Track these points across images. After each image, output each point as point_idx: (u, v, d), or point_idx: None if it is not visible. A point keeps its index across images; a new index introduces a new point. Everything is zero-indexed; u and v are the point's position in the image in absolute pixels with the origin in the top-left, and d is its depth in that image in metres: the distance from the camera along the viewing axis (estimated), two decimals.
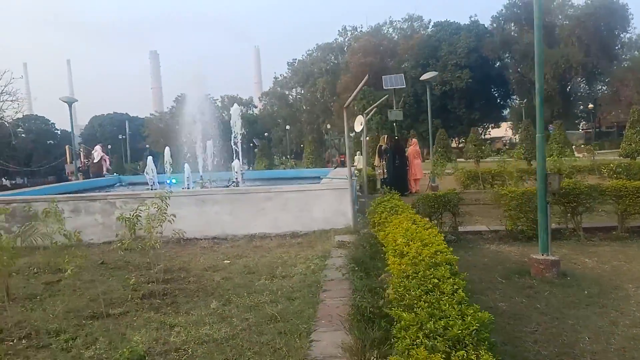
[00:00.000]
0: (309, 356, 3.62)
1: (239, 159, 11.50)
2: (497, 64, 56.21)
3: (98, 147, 18.82)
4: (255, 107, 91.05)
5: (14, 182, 56.80)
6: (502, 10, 54.24)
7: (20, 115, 38.92)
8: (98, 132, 76.20)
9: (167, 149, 12.81)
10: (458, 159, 30.39)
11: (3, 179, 56.47)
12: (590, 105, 46.12)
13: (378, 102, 15.96)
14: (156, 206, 6.37)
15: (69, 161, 57.20)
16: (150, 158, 12.47)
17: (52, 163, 57.55)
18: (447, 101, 54.95)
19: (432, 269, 3.27)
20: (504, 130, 71.28)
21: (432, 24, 62.24)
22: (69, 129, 76.47)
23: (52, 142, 68.68)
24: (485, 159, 30.09)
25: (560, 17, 54.45)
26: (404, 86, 17.29)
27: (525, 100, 48.84)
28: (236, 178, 11.45)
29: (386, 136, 14.66)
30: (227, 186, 11.25)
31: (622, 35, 49.56)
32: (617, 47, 49.65)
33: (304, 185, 9.29)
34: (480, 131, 58.39)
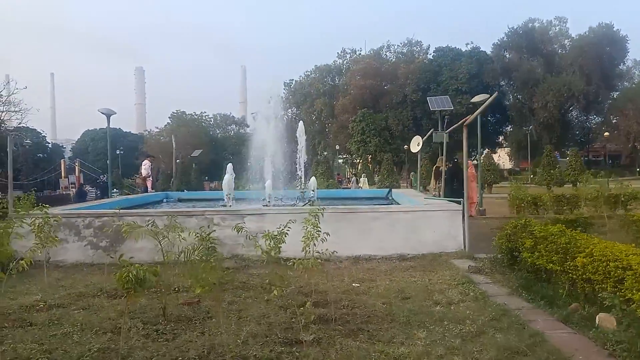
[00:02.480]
0: None
1: (357, 181, 11.13)
2: (497, 91, 57.03)
3: (147, 162, 17.84)
4: (248, 126, 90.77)
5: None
6: (503, 37, 55.33)
7: (22, 125, 37.93)
8: (90, 147, 74.85)
9: (229, 165, 12.37)
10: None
11: None
12: (607, 134, 46.80)
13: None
14: (310, 223, 5.97)
15: (63, 176, 56.00)
16: (230, 168, 11.92)
17: (44, 178, 56.07)
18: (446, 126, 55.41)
19: None
20: (496, 157, 72.14)
21: (431, 49, 63.13)
22: (60, 143, 74.62)
23: (42, 155, 67.12)
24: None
25: (556, 45, 55.78)
26: (452, 108, 17.20)
27: (531, 127, 49.43)
28: (312, 196, 11.08)
29: (444, 158, 14.47)
30: (304, 205, 10.86)
31: (620, 66, 50.91)
32: (616, 77, 50.93)
33: (414, 206, 8.99)
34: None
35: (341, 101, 62.84)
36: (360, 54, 70.75)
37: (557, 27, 56.61)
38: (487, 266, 7.28)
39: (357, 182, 32.98)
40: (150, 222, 6.75)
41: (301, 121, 15.37)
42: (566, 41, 56.77)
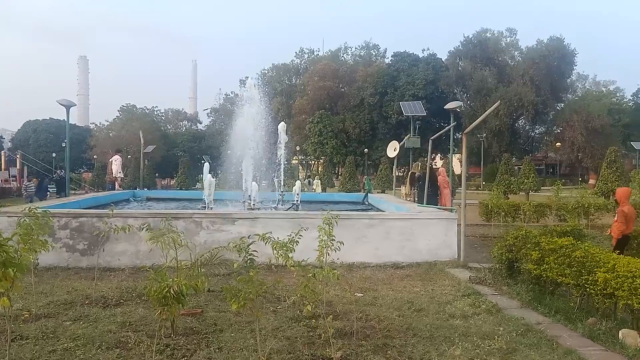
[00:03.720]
0: None
1: (310, 183, 10.86)
2: (452, 98, 58.46)
3: (118, 158, 16.54)
4: (200, 123, 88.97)
5: None
6: (458, 46, 56.71)
7: None
8: (32, 139, 71.04)
9: (206, 165, 11.89)
10: None
11: None
12: (558, 144, 48.82)
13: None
14: (324, 231, 5.75)
15: (3, 168, 52.74)
16: (207, 168, 11.41)
17: None
18: (401, 130, 56.18)
19: None
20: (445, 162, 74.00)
21: (389, 53, 63.98)
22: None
23: None
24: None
25: (507, 56, 57.78)
26: (424, 114, 17.36)
27: (484, 134, 50.86)
28: (297, 200, 10.81)
29: (420, 164, 14.53)
30: (288, 209, 10.59)
31: (567, 79, 53.34)
32: (563, 90, 53.31)
33: (410, 213, 8.88)
34: (426, 161, 60.23)
35: (299, 101, 62.59)
36: (318, 54, 70.81)
37: (508, 39, 58.63)
38: (488, 277, 7.27)
39: (310, 184, 32.78)
40: (145, 225, 6.33)
41: (282, 122, 15.00)
42: (516, 52, 58.90)
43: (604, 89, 64.31)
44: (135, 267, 7.97)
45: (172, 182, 52.92)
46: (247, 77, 76.32)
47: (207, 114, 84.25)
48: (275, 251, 5.71)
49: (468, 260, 8.42)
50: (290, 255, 5.75)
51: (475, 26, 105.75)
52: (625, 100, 64.93)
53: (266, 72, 72.36)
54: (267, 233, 5.52)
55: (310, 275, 4.96)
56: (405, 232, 8.41)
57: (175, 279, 3.75)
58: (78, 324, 5.32)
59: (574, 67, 52.61)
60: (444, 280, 7.44)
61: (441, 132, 15.82)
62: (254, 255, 4.40)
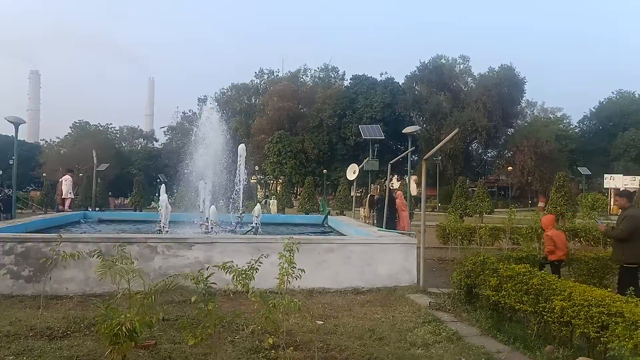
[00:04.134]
0: None
1: (267, 203, 10.70)
2: (408, 121, 59.74)
3: (68, 177, 15.69)
4: (156, 141, 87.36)
5: None
6: (414, 70, 58.20)
7: None
8: None
9: (162, 186, 11.56)
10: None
11: None
12: (510, 168, 50.43)
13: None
14: (285, 258, 5.63)
15: None
16: (163, 190, 11.05)
17: None
18: (359, 152, 56.79)
19: None
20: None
21: (347, 75, 65.01)
22: None
23: None
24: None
25: (460, 82, 59.76)
26: (383, 137, 17.59)
27: (440, 157, 51.95)
28: (256, 223, 10.62)
29: (379, 187, 14.63)
30: (246, 232, 10.39)
31: (517, 105, 55.59)
32: (513, 116, 55.49)
33: (370, 237, 8.84)
34: (384, 183, 61.13)
35: (258, 121, 62.52)
36: (278, 75, 71.21)
37: (461, 65, 60.75)
38: (448, 302, 7.30)
39: (266, 204, 32.54)
40: (96, 252, 6.05)
41: (242, 144, 14.83)
42: (469, 79, 61.06)
43: (551, 116, 67.31)
44: (85, 294, 7.59)
45: (126, 201, 51.44)
46: (206, 96, 76.11)
47: (164, 132, 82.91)
48: (234, 278, 5.56)
49: (427, 285, 8.44)
50: (249, 282, 5.61)
51: (431, 52, 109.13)
52: (571, 127, 68.15)
53: (225, 91, 72.11)
54: (228, 262, 5.37)
55: (271, 305, 4.83)
56: (365, 257, 8.37)
57: (128, 315, 3.54)
58: (21, 358, 4.97)
59: (524, 94, 55.01)
60: (405, 306, 7.41)
61: (400, 156, 16.06)
62: (212, 287, 4.22)
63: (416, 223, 15.58)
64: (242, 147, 12.94)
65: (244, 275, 5.58)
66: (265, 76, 71.55)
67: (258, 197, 52.07)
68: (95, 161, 20.78)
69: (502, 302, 6.29)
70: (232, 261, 5.91)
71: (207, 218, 11.01)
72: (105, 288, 7.43)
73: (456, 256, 12.55)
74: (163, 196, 10.54)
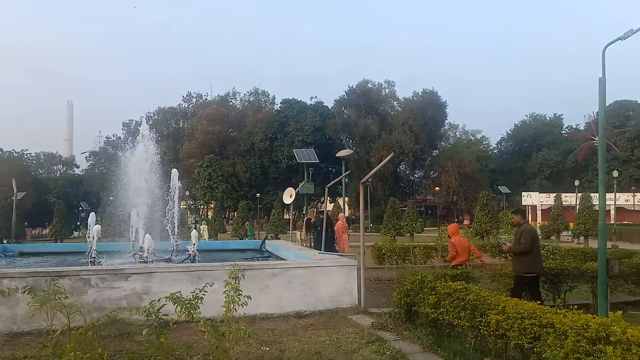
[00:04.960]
0: None
1: (196, 229, 10.52)
2: (339, 144, 60.89)
3: None
4: (77, 167, 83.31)
5: None
6: (343, 95, 59.72)
7: None
8: None
9: (92, 214, 11.05)
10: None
11: None
12: (437, 188, 52.34)
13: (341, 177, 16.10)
14: (230, 286, 5.60)
15: None
16: (92, 218, 10.53)
17: None
18: (292, 175, 57.09)
19: None
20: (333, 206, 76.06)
21: (278, 100, 65.54)
22: None
23: None
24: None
25: (387, 106, 61.99)
26: (317, 161, 17.85)
27: (370, 180, 53.15)
28: (193, 250, 10.38)
29: (315, 210, 14.78)
30: (183, 260, 10.15)
31: (441, 128, 58.38)
32: (437, 138, 58.16)
33: (311, 261, 8.88)
34: (319, 205, 61.75)
35: (187, 145, 61.47)
36: (206, 98, 70.54)
37: (387, 90, 63.18)
38: (389, 322, 7.48)
39: (197, 229, 31.85)
40: (27, 287, 5.76)
41: (175, 169, 14.53)
42: (395, 103, 63.49)
43: (472, 138, 71.18)
44: (12, 332, 7.10)
45: (45, 231, 48.47)
46: (132, 120, 73.87)
47: (86, 157, 79.35)
48: (178, 308, 5.46)
49: (368, 306, 8.62)
50: (194, 312, 5.53)
51: (359, 76, 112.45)
52: (490, 148, 72.37)
53: (152, 115, 70.38)
54: (168, 292, 5.27)
55: (220, 334, 4.78)
56: (307, 281, 8.42)
57: (78, 353, 3.40)
58: None
59: (446, 117, 57.88)
60: (348, 327, 7.51)
61: (337, 179, 16.36)
62: (162, 318, 4.15)
63: (352, 244, 15.85)
64: (175, 172, 12.70)
65: (189, 305, 5.52)
66: (194, 100, 70.72)
67: (188, 222, 50.74)
68: (15, 191, 19.54)
69: (441, 318, 6.55)
70: (173, 291, 5.82)
71: (141, 247, 10.67)
72: (35, 325, 7.01)
73: (392, 275, 12.89)
74: (96, 226, 10.08)
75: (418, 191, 67.31)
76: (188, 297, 5.55)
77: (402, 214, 36.98)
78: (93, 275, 7.71)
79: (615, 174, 37.22)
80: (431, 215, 66.78)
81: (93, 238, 9.84)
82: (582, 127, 64.14)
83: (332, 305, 8.44)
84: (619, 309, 8.84)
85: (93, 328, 4.77)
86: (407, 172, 63.50)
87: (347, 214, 70.42)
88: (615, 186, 34.79)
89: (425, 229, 38.00)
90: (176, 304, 5.46)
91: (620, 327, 4.09)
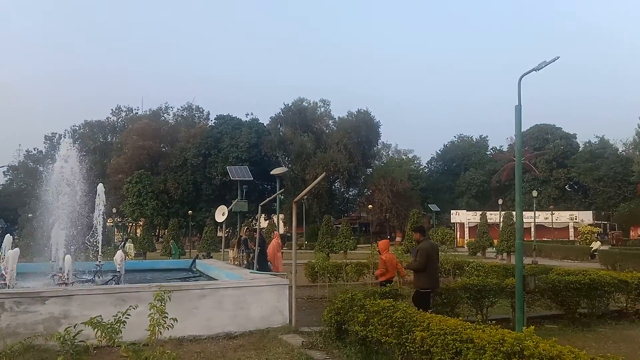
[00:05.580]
0: None
1: (122, 250, 10.11)
2: (274, 161, 60.77)
3: None
4: None
5: None
6: (279, 112, 59.87)
7: None
8: None
9: (8, 236, 10.33)
10: None
11: None
12: (370, 206, 53.18)
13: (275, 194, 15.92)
14: (155, 309, 5.42)
15: None
16: (8, 240, 9.80)
17: None
18: (226, 191, 56.27)
19: None
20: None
21: (212, 115, 64.66)
22: None
23: None
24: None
25: (322, 124, 62.82)
26: (251, 178, 17.69)
27: (305, 197, 53.30)
28: (118, 271, 9.94)
29: (247, 227, 14.60)
30: (108, 282, 9.70)
31: (374, 147, 59.79)
32: (371, 157, 59.50)
33: (242, 281, 8.72)
34: (254, 223, 61.16)
35: (115, 160, 59.23)
36: (137, 113, 68.45)
37: (322, 109, 64.03)
38: (320, 341, 7.50)
39: (122, 247, 30.71)
40: None
41: (100, 184, 13.91)
42: (330, 121, 64.45)
43: (404, 157, 73.44)
44: None
45: None
46: (55, 133, 70.28)
47: (4, 172, 74.49)
48: (99, 333, 5.25)
49: (299, 325, 8.60)
50: (115, 336, 5.33)
51: (294, 94, 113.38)
52: (421, 167, 75.03)
53: (77, 128, 67.34)
54: (89, 315, 5.04)
55: (142, 359, 4.61)
56: (238, 301, 8.29)
57: None
58: None
59: (379, 136, 59.40)
60: (278, 347, 7.46)
61: (271, 197, 16.30)
62: (80, 344, 3.95)
63: (285, 262, 15.80)
64: (100, 188, 12.19)
65: (110, 329, 5.30)
66: (123, 113, 68.44)
67: (115, 241, 48.59)
68: None
69: (370, 336, 6.65)
70: (94, 314, 5.57)
71: (60, 268, 10.10)
72: None
73: (325, 293, 12.94)
74: (8, 245, 9.43)
75: (352, 208, 68.28)
76: (110, 321, 5.34)
77: (337, 231, 37.41)
78: (7, 298, 7.22)
79: (534, 193, 39.55)
80: (365, 233, 67.92)
81: (11, 260, 9.19)
82: (505, 149, 67.78)
83: (263, 325, 8.36)
84: (536, 322, 9.40)
85: (6, 356, 4.47)
86: (342, 189, 64.36)
87: (282, 232, 70.42)
88: (534, 205, 36.87)
89: (359, 246, 38.57)
90: (96, 329, 5.24)
91: (533, 342, 4.31)
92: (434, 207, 47.37)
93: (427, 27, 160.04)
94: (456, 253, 24.12)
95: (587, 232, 39.73)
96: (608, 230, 50.94)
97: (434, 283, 8.43)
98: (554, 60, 7.01)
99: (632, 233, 52.20)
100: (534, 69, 7.26)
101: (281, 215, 70.24)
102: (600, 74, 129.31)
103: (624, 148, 62.11)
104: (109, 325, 5.24)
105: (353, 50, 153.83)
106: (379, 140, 61.51)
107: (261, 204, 13.44)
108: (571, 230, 51.33)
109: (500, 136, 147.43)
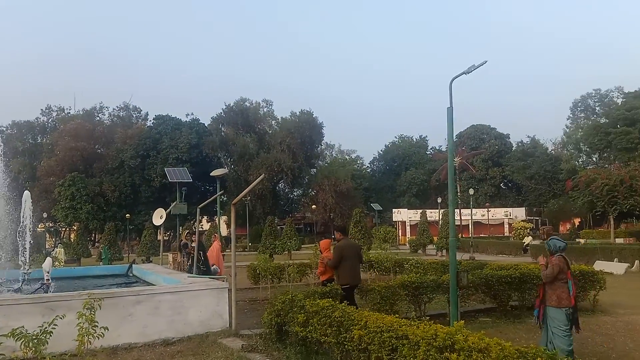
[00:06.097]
0: None
1: (51, 256, 9.62)
2: (216, 162, 59.82)
3: None
4: None
5: None
6: (220, 112, 59.02)
7: None
8: None
9: None
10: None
11: None
12: (314, 206, 53.25)
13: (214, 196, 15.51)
14: (84, 317, 5.20)
15: None
16: None
17: None
18: (166, 194, 54.90)
19: None
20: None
21: (150, 115, 62.80)
22: None
23: None
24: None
25: (265, 125, 62.60)
26: (190, 180, 17.28)
27: (249, 198, 52.81)
28: (47, 279, 9.44)
29: (188, 230, 14.26)
30: (36, 290, 9.20)
31: (318, 147, 60.10)
32: (314, 157, 59.78)
33: (179, 285, 8.47)
34: (194, 227, 59.96)
35: (46, 162, 56.31)
36: (69, 113, 65.43)
37: (265, 109, 63.86)
38: (260, 343, 7.43)
39: (51, 254, 29.37)
40: None
41: (27, 190, 13.16)
42: (273, 122, 64.33)
43: (347, 157, 74.31)
44: None
45: None
46: None
47: None
48: (23, 345, 5.00)
49: (240, 328, 8.49)
50: (41, 347, 5.08)
51: (236, 94, 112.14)
52: (364, 167, 76.15)
53: (4, 129, 63.61)
54: (13, 326, 4.77)
55: None
56: (176, 306, 8.07)
57: None
58: None
59: (323, 137, 59.83)
60: (217, 352, 7.32)
61: (209, 200, 16.00)
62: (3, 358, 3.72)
63: (226, 264, 15.57)
64: (27, 194, 11.54)
65: (35, 341, 5.04)
66: (55, 113, 65.24)
67: (47, 247, 46.24)
68: None
69: (310, 336, 6.64)
70: (20, 325, 5.27)
71: None
72: None
73: (267, 295, 12.85)
74: None
75: (297, 209, 68.32)
76: (35, 332, 5.07)
77: (281, 232, 37.32)
78: None
79: (471, 191, 41.08)
80: (310, 233, 68.20)
81: None
82: (444, 148, 69.95)
83: (202, 330, 8.19)
84: (471, 316, 9.73)
85: None
86: (286, 190, 64.33)
87: (225, 234, 69.45)
88: (472, 202, 38.22)
89: (303, 246, 38.59)
90: (20, 340, 4.97)
91: (463, 335, 4.44)
92: (376, 206, 48.20)
93: (373, 29, 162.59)
94: (398, 251, 24.65)
95: (520, 228, 41.63)
96: (540, 226, 53.65)
97: (352, 279, 8.77)
98: (482, 64, 7.29)
99: (561, 228, 55.35)
100: (464, 72, 7.52)
101: (224, 217, 69.40)
102: (530, 77, 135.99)
103: (553, 147, 65.73)
104: (34, 337, 4.97)
105: (294, 50, 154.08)
106: (323, 141, 62.04)
107: (200, 206, 13.17)
108: (506, 226, 53.70)
109: (439, 136, 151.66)
